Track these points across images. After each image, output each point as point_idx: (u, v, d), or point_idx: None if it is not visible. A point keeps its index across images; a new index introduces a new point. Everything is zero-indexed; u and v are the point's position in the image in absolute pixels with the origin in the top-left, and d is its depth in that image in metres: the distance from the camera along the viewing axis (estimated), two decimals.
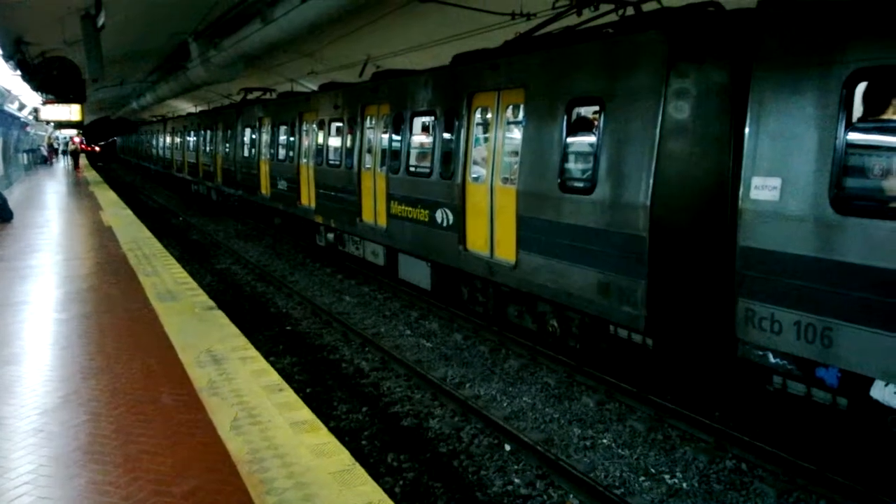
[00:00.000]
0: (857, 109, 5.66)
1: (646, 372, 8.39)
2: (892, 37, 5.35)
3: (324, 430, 5.25)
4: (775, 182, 6.06)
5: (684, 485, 6.31)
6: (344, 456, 4.78)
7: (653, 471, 6.56)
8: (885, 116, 5.71)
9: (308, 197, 16.79)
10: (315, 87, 18.82)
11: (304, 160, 17.06)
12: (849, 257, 5.54)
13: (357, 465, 4.65)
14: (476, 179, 10.16)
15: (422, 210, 11.42)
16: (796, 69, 5.97)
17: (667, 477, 6.45)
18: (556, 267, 8.41)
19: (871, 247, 5.39)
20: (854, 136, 5.62)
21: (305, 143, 17.18)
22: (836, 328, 5.64)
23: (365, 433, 7.44)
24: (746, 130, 6.29)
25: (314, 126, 16.48)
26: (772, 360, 6.24)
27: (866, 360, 5.48)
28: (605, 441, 7.18)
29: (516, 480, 6.42)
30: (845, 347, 5.59)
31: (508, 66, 9.49)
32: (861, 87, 5.59)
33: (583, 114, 8.39)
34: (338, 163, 14.98)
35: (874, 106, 5.70)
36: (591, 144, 8.06)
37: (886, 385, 5.43)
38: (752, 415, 7.39)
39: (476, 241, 10.11)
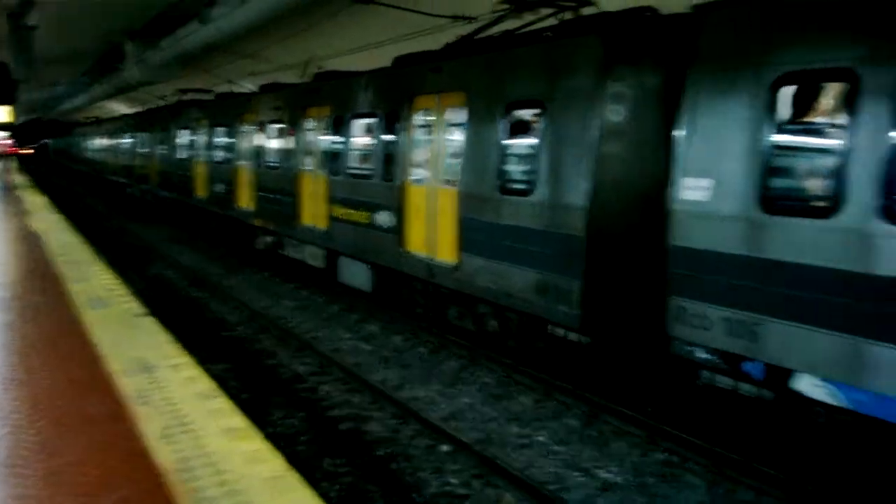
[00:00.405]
0: (783, 112, 5.88)
1: (582, 370, 8.52)
2: (812, 42, 5.59)
3: (258, 436, 5.14)
4: (706, 183, 6.24)
5: (618, 479, 6.44)
6: (278, 462, 4.69)
7: (587, 466, 6.68)
8: (806, 119, 5.96)
9: (247, 200, 16.49)
10: (255, 88, 18.53)
11: (244, 162, 16.76)
12: (775, 255, 5.74)
13: (291, 470, 4.57)
14: (417, 181, 10.16)
15: (362, 212, 11.35)
16: (728, 72, 6.16)
17: (601, 471, 6.57)
18: (496, 268, 8.48)
19: (794, 244, 5.60)
20: (779, 138, 5.84)
21: (245, 144, 16.87)
22: (761, 324, 5.84)
23: (302, 438, 7.34)
24: (680, 132, 6.46)
25: (254, 127, 16.21)
26: (701, 355, 6.43)
27: (789, 353, 5.69)
28: (541, 438, 7.27)
29: (454, 480, 6.44)
30: (770, 342, 5.79)
31: (450, 69, 9.52)
32: (786, 90, 5.80)
33: (523, 117, 8.48)
34: (278, 165, 14.77)
35: (797, 108, 5.94)
36: (531, 147, 8.16)
37: (808, 377, 5.63)
38: (684, 409, 7.58)
39: (417, 243, 10.11)
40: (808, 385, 5.65)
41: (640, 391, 8.07)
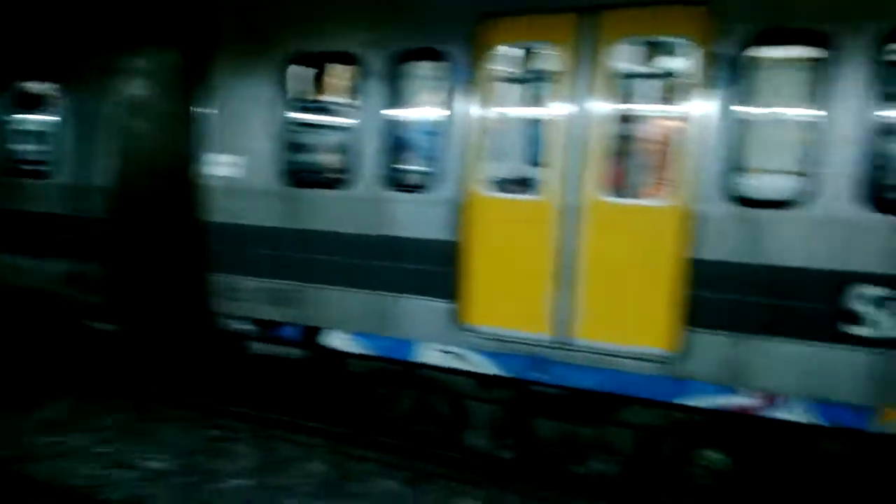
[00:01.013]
0: (299, 91, 6.35)
1: (126, 362, 7.95)
2: (320, 25, 6.08)
3: None
4: (235, 159, 6.39)
5: (169, 465, 6.23)
6: None
7: (135, 459, 6.30)
8: (320, 98, 6.57)
9: None
10: None
11: None
12: (304, 225, 6.15)
13: None
14: None
15: None
16: (251, 54, 6.35)
17: (150, 462, 6.27)
18: (20, 262, 7.46)
19: (320, 215, 6.06)
20: (297, 116, 6.28)
21: None
22: (298, 290, 6.20)
23: None
24: (209, 111, 6.46)
25: None
26: (246, 326, 6.56)
27: (318, 314, 6.18)
28: (80, 443, 6.58)
29: None
30: (307, 306, 6.20)
31: None
32: (300, 71, 6.25)
33: (34, 90, 7.62)
34: None
35: (311, 88, 6.48)
36: (44, 124, 7.35)
37: (340, 333, 6.17)
38: (238, 382, 7.64)
39: None
40: (340, 340, 6.19)
41: (194, 372, 7.86)
